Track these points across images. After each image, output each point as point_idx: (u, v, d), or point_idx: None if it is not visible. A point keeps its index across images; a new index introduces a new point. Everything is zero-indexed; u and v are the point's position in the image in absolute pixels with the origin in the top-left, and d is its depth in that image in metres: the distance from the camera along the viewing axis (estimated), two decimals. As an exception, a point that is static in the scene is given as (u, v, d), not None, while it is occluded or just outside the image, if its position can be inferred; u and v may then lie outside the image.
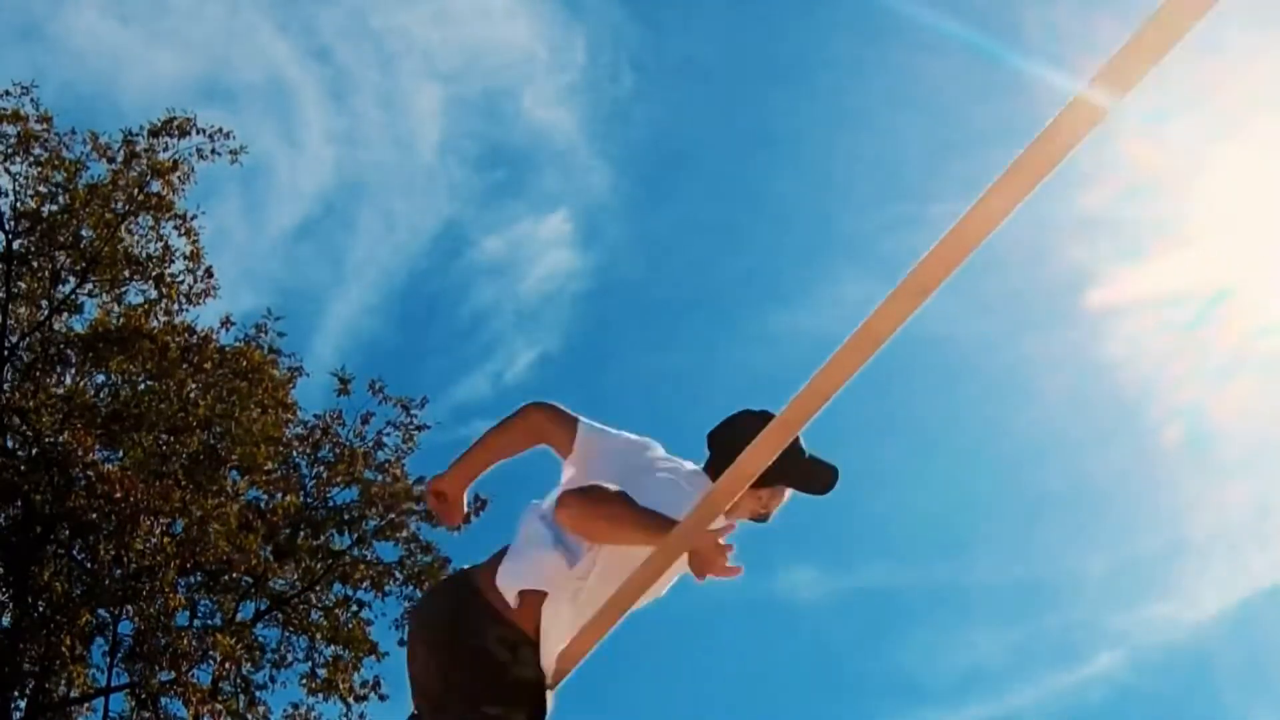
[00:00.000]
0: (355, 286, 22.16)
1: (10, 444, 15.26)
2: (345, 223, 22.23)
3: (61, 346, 15.87)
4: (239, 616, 15.74)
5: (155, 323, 15.97)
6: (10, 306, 15.77)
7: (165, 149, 15.94)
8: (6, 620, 14.53)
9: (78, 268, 15.98)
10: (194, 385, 15.47)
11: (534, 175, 23.49)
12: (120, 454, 15.10)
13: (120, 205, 15.94)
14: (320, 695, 15.55)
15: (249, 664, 15.33)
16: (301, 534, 16.05)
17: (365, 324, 22.27)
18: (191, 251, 16.31)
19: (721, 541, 2.56)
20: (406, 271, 22.84)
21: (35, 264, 16.06)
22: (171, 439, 15.25)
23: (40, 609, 14.60)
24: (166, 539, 14.85)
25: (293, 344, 16.57)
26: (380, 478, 16.30)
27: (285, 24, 20.87)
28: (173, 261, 16.27)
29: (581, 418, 3.03)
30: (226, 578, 15.37)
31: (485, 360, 23.25)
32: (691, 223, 24.04)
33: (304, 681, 15.66)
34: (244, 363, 15.63)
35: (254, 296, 24.10)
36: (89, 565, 15.14)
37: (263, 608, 16.00)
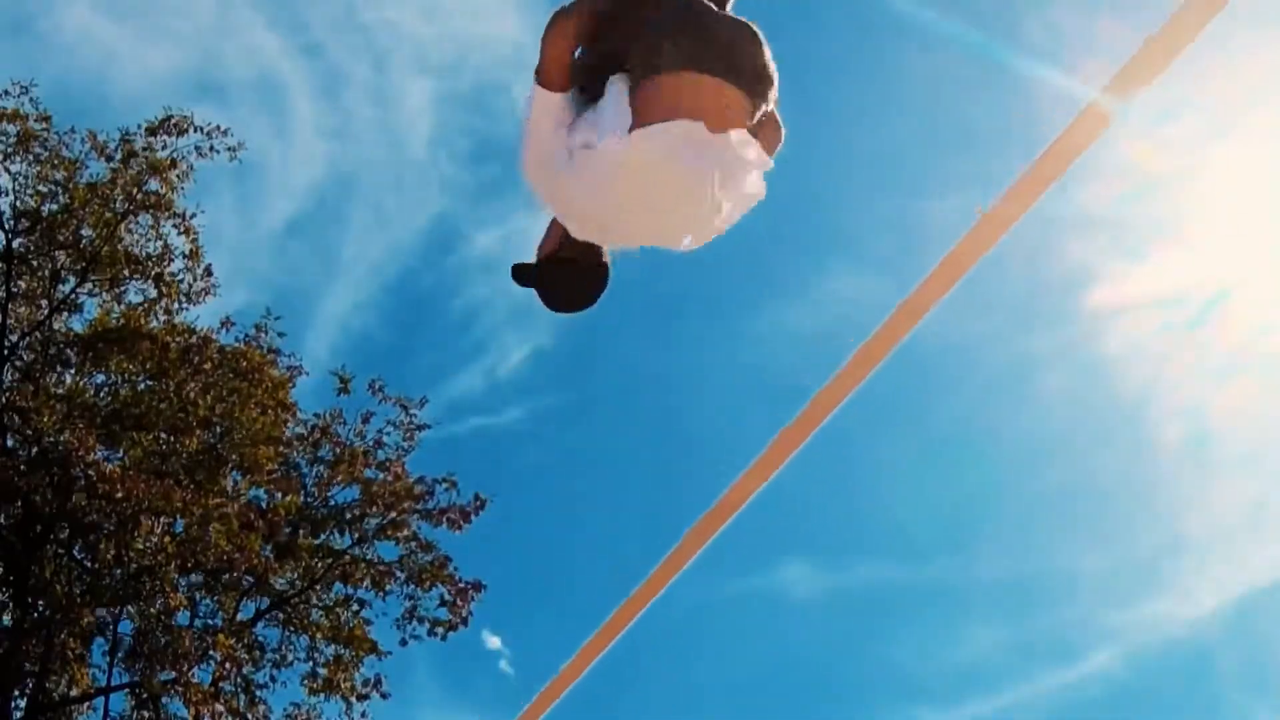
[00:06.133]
0: (347, 282, 22.07)
1: (10, 444, 15.25)
2: (337, 218, 22.13)
3: (61, 346, 15.86)
4: (239, 616, 15.73)
5: (155, 322, 15.97)
6: (10, 306, 15.75)
7: (163, 147, 15.94)
8: (6, 620, 14.53)
9: (78, 267, 15.97)
10: (194, 385, 15.45)
11: (526, 171, 23.37)
12: (120, 454, 15.09)
13: (119, 204, 15.93)
14: (321, 695, 15.56)
15: (250, 663, 15.34)
16: (302, 533, 16.05)
17: (357, 320, 22.20)
18: (191, 250, 16.30)
19: None
20: (399, 267, 22.73)
21: (35, 263, 16.04)
22: (171, 439, 15.24)
23: (40, 609, 14.60)
24: (167, 539, 14.86)
25: (286, 341, 16.57)
26: (381, 476, 16.30)
27: (276, 19, 20.80)
28: (172, 260, 16.28)
29: None
30: (227, 577, 15.36)
31: (478, 356, 23.19)
32: (685, 218, 23.92)
33: (305, 681, 15.67)
34: (244, 363, 15.63)
35: (246, 293, 23.97)
36: (89, 565, 15.14)
37: (263, 607, 16.00)
